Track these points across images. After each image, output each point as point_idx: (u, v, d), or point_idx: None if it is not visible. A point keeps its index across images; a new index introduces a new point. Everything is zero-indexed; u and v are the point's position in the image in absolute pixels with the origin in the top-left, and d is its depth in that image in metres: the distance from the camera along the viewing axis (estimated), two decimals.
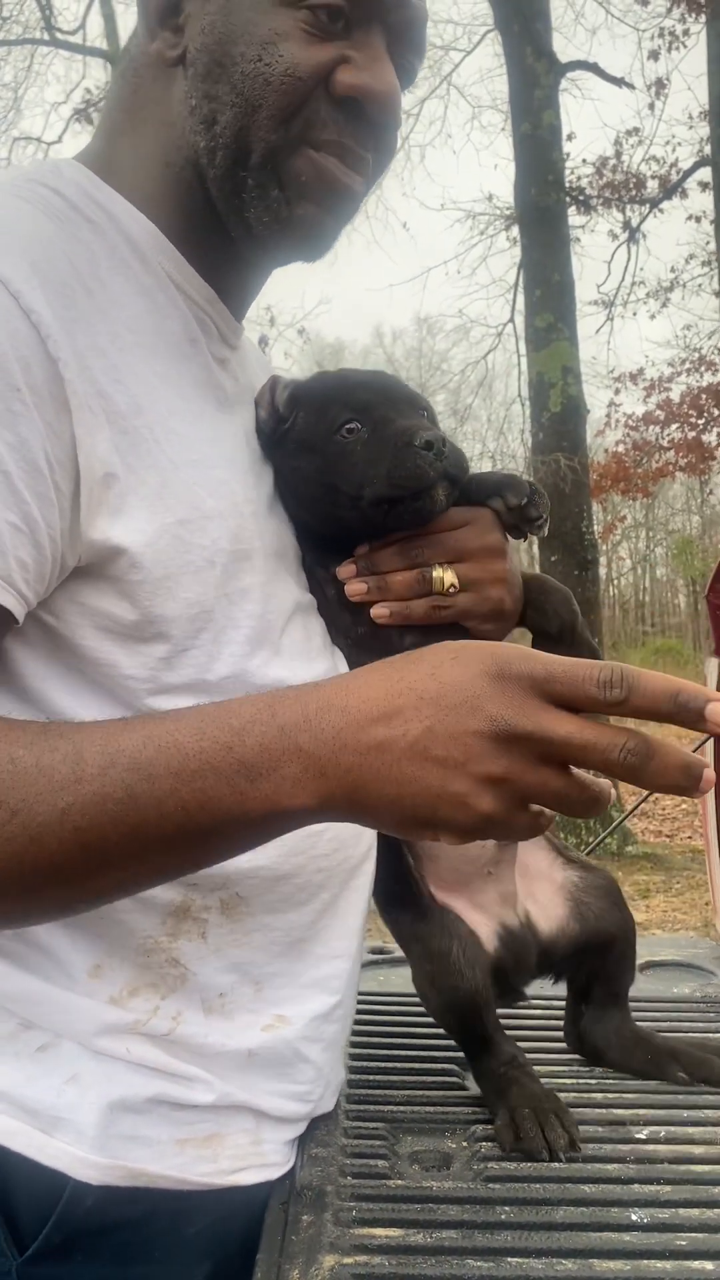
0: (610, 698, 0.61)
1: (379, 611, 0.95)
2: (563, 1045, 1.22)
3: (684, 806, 9.56)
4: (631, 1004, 1.39)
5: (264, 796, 0.63)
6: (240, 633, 0.84)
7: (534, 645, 1.07)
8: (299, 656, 0.90)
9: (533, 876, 1.11)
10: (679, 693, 0.61)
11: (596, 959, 1.13)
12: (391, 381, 1.01)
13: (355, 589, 0.96)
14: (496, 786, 0.61)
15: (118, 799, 0.62)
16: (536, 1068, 1.07)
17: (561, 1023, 1.22)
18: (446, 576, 0.95)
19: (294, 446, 0.97)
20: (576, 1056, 1.20)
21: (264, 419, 0.97)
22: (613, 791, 0.65)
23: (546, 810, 0.65)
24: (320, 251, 0.92)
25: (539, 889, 1.11)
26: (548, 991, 1.19)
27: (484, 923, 1.07)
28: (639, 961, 1.59)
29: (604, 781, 0.65)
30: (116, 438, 0.75)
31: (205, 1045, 0.84)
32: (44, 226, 0.77)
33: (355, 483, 0.94)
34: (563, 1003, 1.22)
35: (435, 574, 0.95)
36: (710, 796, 1.90)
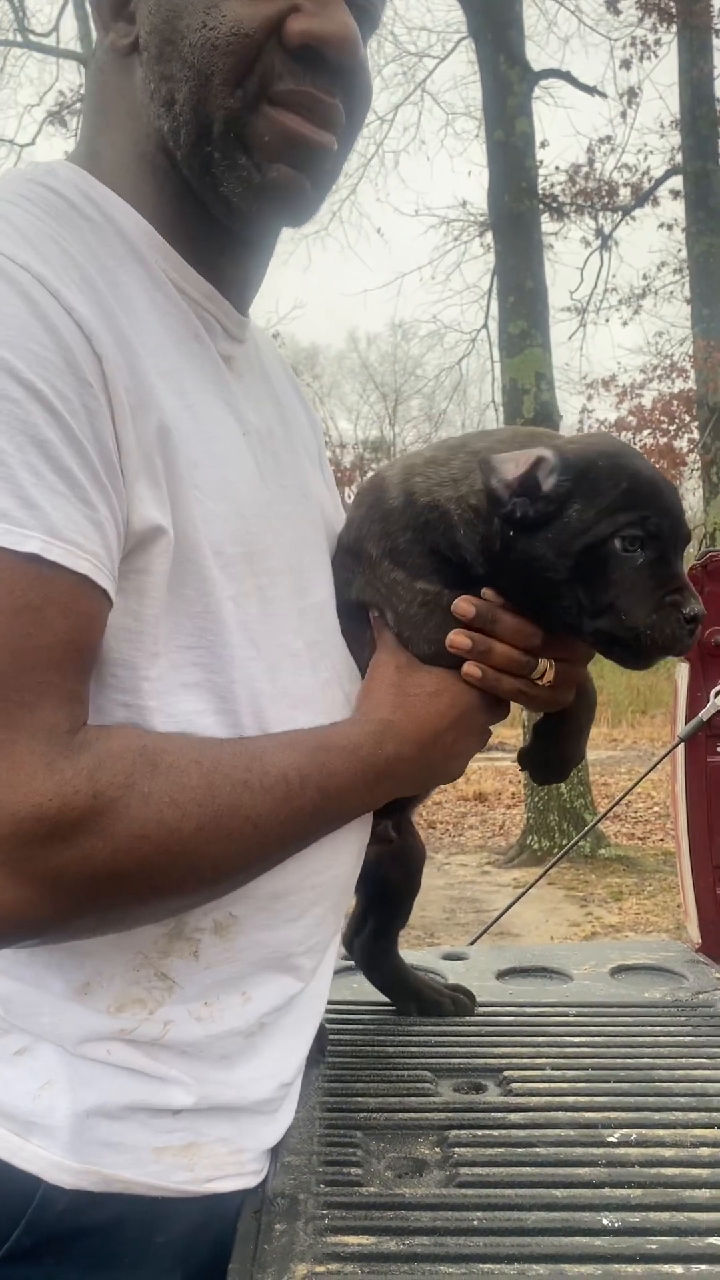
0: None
1: (471, 670, 0.93)
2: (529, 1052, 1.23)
3: (657, 809, 9.62)
4: (604, 1009, 1.41)
5: (385, 793, 0.91)
6: (247, 635, 0.84)
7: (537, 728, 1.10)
8: (309, 662, 0.91)
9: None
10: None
11: (378, 898, 1.31)
12: (679, 501, 0.93)
13: (459, 642, 0.92)
14: (472, 754, 0.98)
15: (309, 811, 0.83)
16: (514, 1073, 1.07)
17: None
18: (549, 672, 0.94)
19: (550, 534, 0.90)
20: (548, 1065, 1.20)
21: (509, 496, 0.90)
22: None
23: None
24: (303, 214, 0.89)
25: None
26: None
27: None
28: (611, 966, 1.61)
29: None
30: (138, 433, 0.76)
31: (192, 1046, 0.84)
32: (52, 227, 0.77)
33: (598, 601, 0.89)
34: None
35: (541, 664, 0.94)
36: (681, 800, 1.91)
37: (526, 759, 1.10)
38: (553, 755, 1.10)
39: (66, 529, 0.69)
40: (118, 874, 0.71)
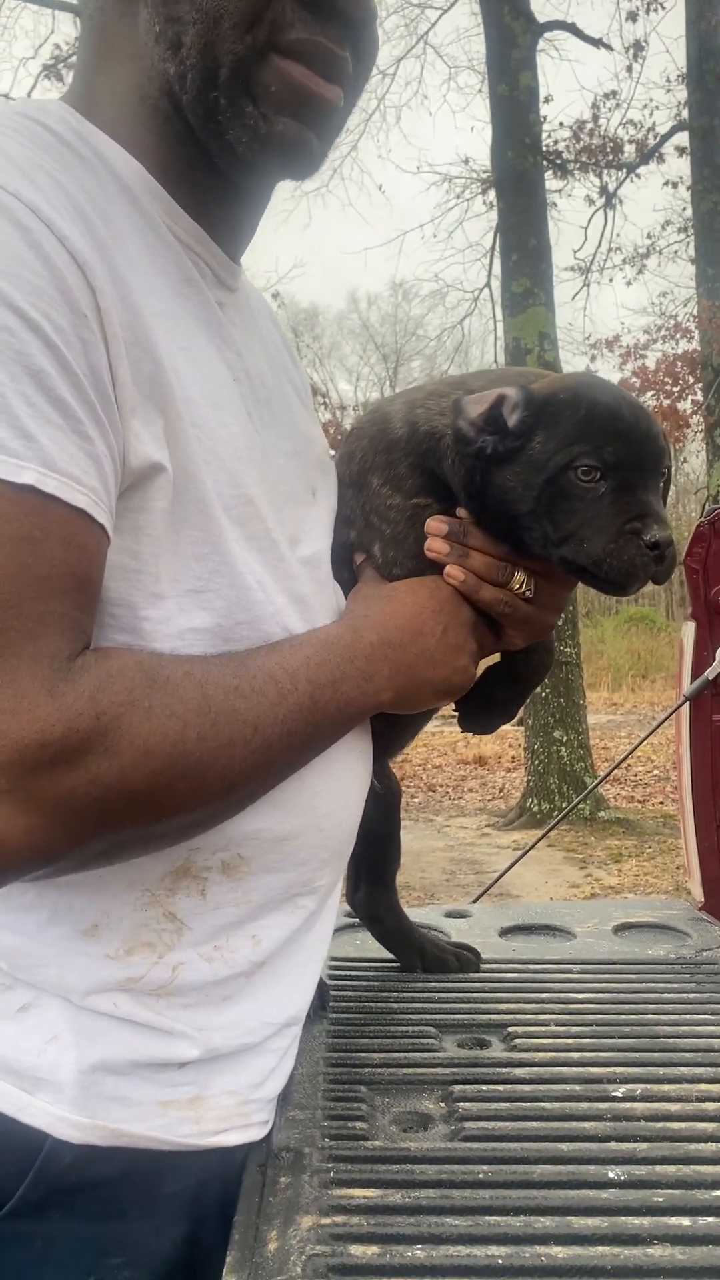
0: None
1: (454, 573, 0.95)
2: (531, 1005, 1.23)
3: (656, 773, 9.66)
4: (607, 965, 1.41)
5: (373, 693, 0.88)
6: (256, 579, 0.83)
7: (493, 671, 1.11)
8: (301, 615, 0.90)
9: None
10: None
11: (364, 842, 1.24)
12: (648, 428, 0.93)
13: (437, 547, 0.96)
14: (473, 653, 0.96)
15: (307, 705, 0.81)
16: (520, 1031, 1.07)
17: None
18: (527, 583, 0.97)
19: (517, 468, 0.93)
20: (552, 1021, 1.20)
21: (476, 434, 0.94)
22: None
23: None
24: (308, 168, 0.88)
25: None
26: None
27: None
28: (614, 923, 1.61)
29: None
30: (134, 369, 0.74)
31: (199, 991, 0.84)
32: (44, 159, 0.75)
33: (561, 530, 0.92)
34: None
35: (518, 575, 0.96)
36: (685, 759, 1.91)
37: (465, 700, 1.09)
38: (495, 702, 1.10)
39: (63, 462, 0.68)
40: (127, 792, 0.70)
